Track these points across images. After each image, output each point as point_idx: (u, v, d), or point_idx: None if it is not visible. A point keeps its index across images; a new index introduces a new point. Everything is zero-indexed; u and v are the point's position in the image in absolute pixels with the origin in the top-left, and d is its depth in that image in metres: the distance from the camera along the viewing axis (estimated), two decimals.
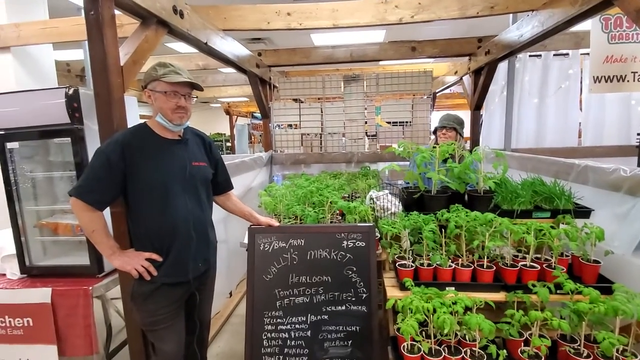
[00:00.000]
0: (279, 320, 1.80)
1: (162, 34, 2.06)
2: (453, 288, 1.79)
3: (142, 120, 1.72)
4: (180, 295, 1.65)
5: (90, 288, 1.82)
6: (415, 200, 2.17)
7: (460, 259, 1.86)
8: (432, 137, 3.20)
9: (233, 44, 3.13)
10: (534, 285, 1.70)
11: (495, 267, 1.82)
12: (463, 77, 4.38)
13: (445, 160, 2.23)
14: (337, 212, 2.32)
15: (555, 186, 2.06)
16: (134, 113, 2.08)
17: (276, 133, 4.47)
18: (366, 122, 4.23)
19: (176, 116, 1.59)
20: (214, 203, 1.88)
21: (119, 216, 1.71)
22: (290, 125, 4.59)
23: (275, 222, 1.93)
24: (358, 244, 1.84)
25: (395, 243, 1.96)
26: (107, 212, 1.59)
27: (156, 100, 1.58)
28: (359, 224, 1.88)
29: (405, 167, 2.72)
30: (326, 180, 3.19)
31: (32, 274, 2.01)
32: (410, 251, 1.93)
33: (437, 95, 6.68)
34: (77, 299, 1.81)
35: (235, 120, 11.94)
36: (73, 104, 1.76)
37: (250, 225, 1.93)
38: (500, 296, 1.76)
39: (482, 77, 3.76)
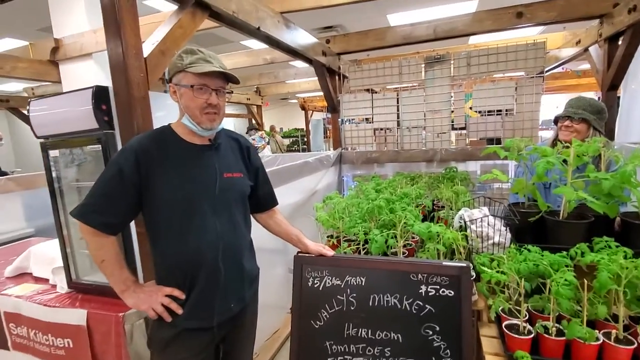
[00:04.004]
0: None
1: (202, 18, 1.75)
2: None
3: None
4: (205, 345, 1.30)
5: (122, 315, 1.61)
6: (531, 225, 1.51)
7: (615, 329, 1.17)
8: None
9: (293, 29, 2.74)
10: None
11: None
12: (589, 48, 3.33)
13: (580, 167, 1.52)
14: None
15: None
16: (172, 117, 1.80)
17: (346, 129, 4.00)
18: (453, 112, 3.50)
19: (205, 118, 1.24)
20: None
21: (145, 237, 1.44)
22: (352, 119, 4.08)
23: (329, 251, 1.46)
24: (443, 292, 1.27)
25: (501, 290, 1.34)
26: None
27: (182, 97, 1.24)
28: (445, 263, 1.31)
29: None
30: (401, 185, 2.62)
31: (79, 289, 1.90)
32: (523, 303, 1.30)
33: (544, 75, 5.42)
34: (109, 325, 1.62)
35: (311, 116, 11.82)
36: (101, 105, 1.53)
37: (298, 253, 1.51)
38: None
39: (622, 45, 2.77)
